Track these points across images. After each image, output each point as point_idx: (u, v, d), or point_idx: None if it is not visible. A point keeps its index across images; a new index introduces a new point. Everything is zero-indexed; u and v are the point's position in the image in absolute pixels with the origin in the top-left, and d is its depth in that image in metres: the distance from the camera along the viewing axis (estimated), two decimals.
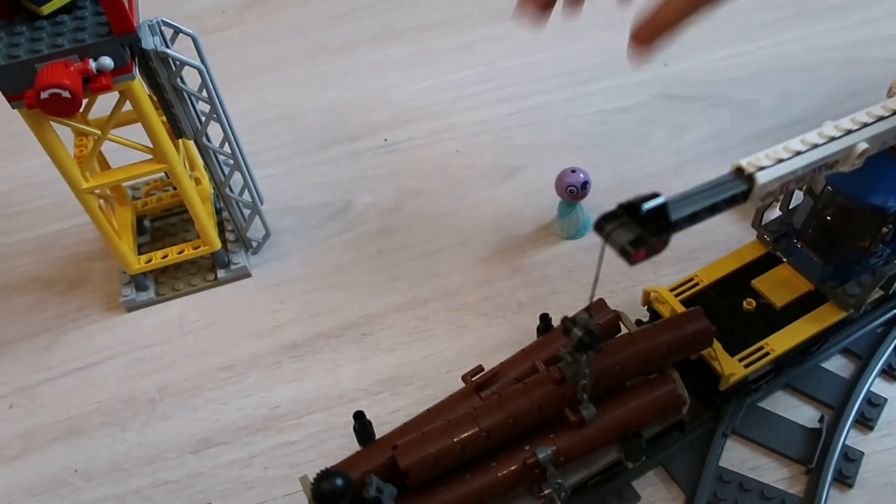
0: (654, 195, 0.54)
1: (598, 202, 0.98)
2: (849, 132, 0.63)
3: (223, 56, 1.32)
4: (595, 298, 0.76)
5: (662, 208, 0.54)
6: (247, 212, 0.96)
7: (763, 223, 0.82)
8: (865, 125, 0.64)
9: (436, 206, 1.03)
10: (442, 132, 1.14)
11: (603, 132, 1.10)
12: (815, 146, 0.62)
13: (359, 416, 0.68)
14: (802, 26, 1.23)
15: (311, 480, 0.60)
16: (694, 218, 0.57)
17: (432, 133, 1.14)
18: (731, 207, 0.60)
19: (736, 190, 0.58)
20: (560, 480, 0.65)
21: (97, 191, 0.85)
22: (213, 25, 1.39)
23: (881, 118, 0.64)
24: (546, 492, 0.65)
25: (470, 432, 0.64)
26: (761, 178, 0.59)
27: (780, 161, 0.60)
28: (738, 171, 0.60)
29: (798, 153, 0.61)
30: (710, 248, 0.94)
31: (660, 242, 0.55)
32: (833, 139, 0.62)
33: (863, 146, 0.63)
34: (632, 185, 1.03)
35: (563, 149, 1.09)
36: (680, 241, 0.96)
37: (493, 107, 1.17)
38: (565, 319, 0.63)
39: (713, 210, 0.58)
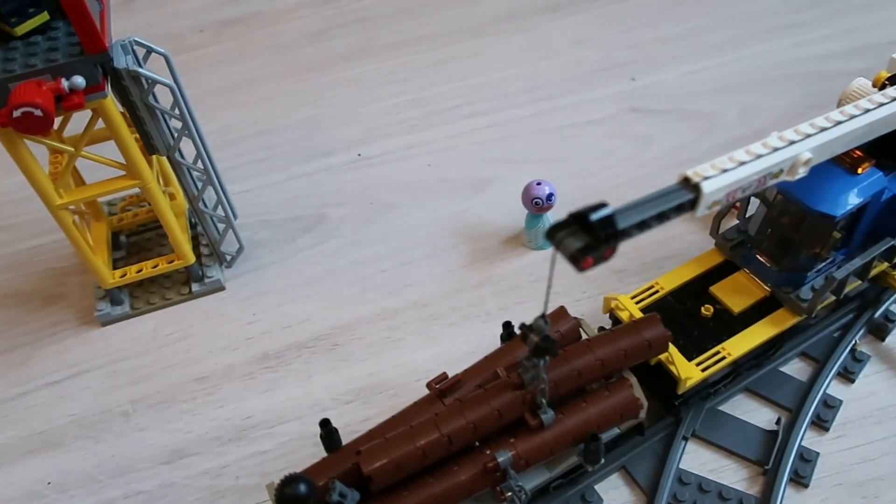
0: (602, 205, 0.56)
1: (566, 213, 1.00)
2: (792, 143, 0.66)
3: (202, 74, 1.34)
4: (558, 306, 0.79)
5: (610, 218, 0.56)
6: (221, 226, 0.98)
7: (721, 231, 0.85)
8: (809, 136, 0.66)
9: (408, 218, 1.05)
10: (415, 146, 1.16)
11: (571, 145, 1.13)
12: (759, 156, 0.64)
13: (325, 424, 0.69)
14: (766, 41, 1.27)
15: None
16: (643, 226, 0.59)
17: (406, 147, 1.16)
18: (680, 215, 0.62)
19: (683, 199, 0.60)
20: (521, 483, 0.67)
21: (72, 207, 0.87)
22: (193, 44, 1.42)
23: (824, 129, 0.67)
24: (507, 494, 0.67)
25: (432, 437, 0.65)
26: (707, 187, 0.61)
27: (725, 171, 0.62)
28: (685, 181, 0.62)
29: (743, 163, 0.63)
30: (675, 256, 0.96)
31: (608, 250, 0.57)
32: (777, 149, 0.65)
33: (806, 156, 0.66)
34: (599, 197, 1.01)
35: (532, 162, 1.11)
36: (645, 250, 1.00)
37: (465, 121, 1.19)
38: (522, 326, 0.65)
39: (661, 218, 0.60)
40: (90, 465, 0.84)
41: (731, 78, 1.21)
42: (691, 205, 0.61)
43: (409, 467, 0.65)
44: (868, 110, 0.68)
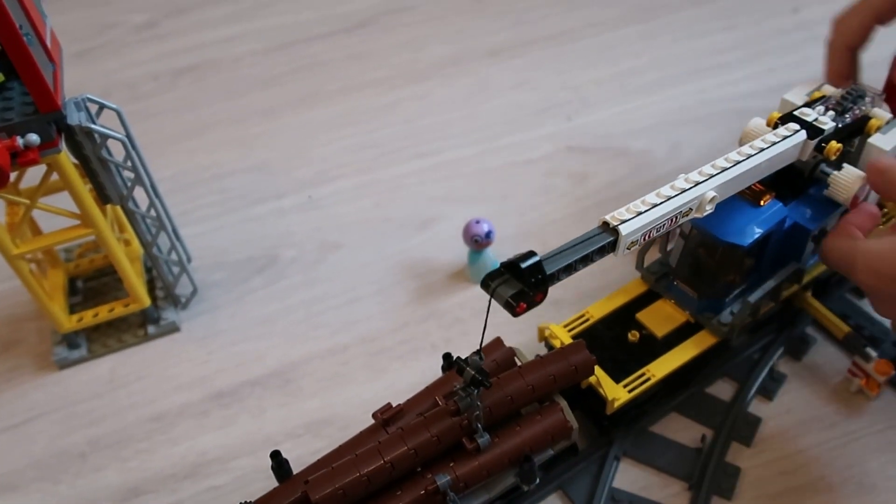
0: (531, 254, 0.62)
1: (506, 249, 1.06)
2: (697, 183, 0.72)
3: (156, 121, 1.38)
4: (494, 337, 0.84)
5: (538, 265, 0.62)
6: (175, 269, 1.01)
7: (645, 265, 0.91)
8: (712, 176, 0.73)
9: (356, 257, 1.10)
10: (363, 187, 1.21)
11: (511, 183, 1.19)
12: (669, 198, 0.70)
13: (275, 456, 0.73)
14: (692, 82, 1.35)
15: None
16: (569, 269, 0.65)
17: (354, 188, 1.21)
18: (602, 257, 0.68)
19: (604, 241, 0.66)
20: None
21: (28, 255, 0.90)
22: (147, 92, 1.46)
23: (725, 169, 0.73)
24: None
25: (375, 465, 0.70)
26: (624, 229, 0.67)
27: (639, 213, 0.68)
28: (605, 225, 0.68)
29: (655, 205, 0.69)
30: (610, 287, 1.01)
31: (539, 294, 0.62)
32: (684, 191, 0.71)
33: (711, 195, 0.72)
34: (538, 232, 1.11)
35: (474, 200, 1.17)
36: (580, 281, 1.06)
37: (410, 162, 1.25)
38: (458, 359, 0.70)
39: (585, 261, 0.66)
40: None
41: (660, 116, 1.29)
42: (612, 246, 0.67)
43: (355, 494, 0.69)
44: (762, 149, 0.75)
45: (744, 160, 0.74)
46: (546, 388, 0.75)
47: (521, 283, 0.61)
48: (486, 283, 0.62)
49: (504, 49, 1.47)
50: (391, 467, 0.70)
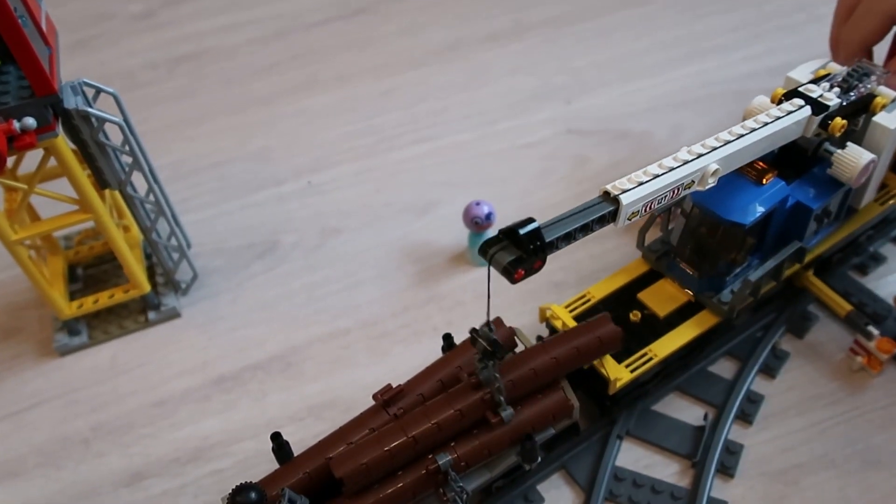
0: (530, 220, 0.61)
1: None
2: (700, 155, 0.71)
3: (155, 110, 1.38)
4: (494, 318, 0.83)
5: (537, 232, 0.61)
6: (175, 255, 1.01)
7: (646, 244, 0.90)
8: (715, 149, 0.72)
9: (357, 242, 1.10)
10: (363, 173, 1.21)
11: (511, 167, 1.19)
12: (671, 169, 0.70)
13: (276, 437, 0.73)
14: (692, 64, 1.35)
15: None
16: (568, 237, 0.64)
17: (354, 174, 1.21)
18: (603, 227, 0.67)
19: (604, 210, 0.66)
20: (461, 484, 0.71)
21: (27, 242, 0.90)
22: (146, 80, 1.45)
23: (728, 142, 0.73)
24: (449, 495, 0.71)
25: (399, 440, 0.69)
26: (625, 199, 0.66)
27: (641, 184, 0.68)
28: (606, 195, 0.67)
29: (656, 176, 0.69)
30: (610, 269, 1.01)
31: (537, 262, 0.62)
32: (686, 162, 0.71)
33: (714, 167, 0.72)
34: (538, 215, 1.08)
35: (474, 184, 1.17)
36: (581, 263, 1.05)
37: (410, 147, 1.25)
38: (472, 331, 0.70)
39: (585, 229, 0.65)
40: (51, 492, 0.86)
41: (659, 99, 1.28)
42: (612, 216, 0.67)
43: (379, 469, 0.69)
44: (766, 124, 0.74)
45: (747, 134, 0.73)
46: (570, 363, 0.75)
47: (520, 249, 0.60)
48: (484, 250, 0.62)
49: (502, 34, 1.47)
50: (414, 442, 0.70)
